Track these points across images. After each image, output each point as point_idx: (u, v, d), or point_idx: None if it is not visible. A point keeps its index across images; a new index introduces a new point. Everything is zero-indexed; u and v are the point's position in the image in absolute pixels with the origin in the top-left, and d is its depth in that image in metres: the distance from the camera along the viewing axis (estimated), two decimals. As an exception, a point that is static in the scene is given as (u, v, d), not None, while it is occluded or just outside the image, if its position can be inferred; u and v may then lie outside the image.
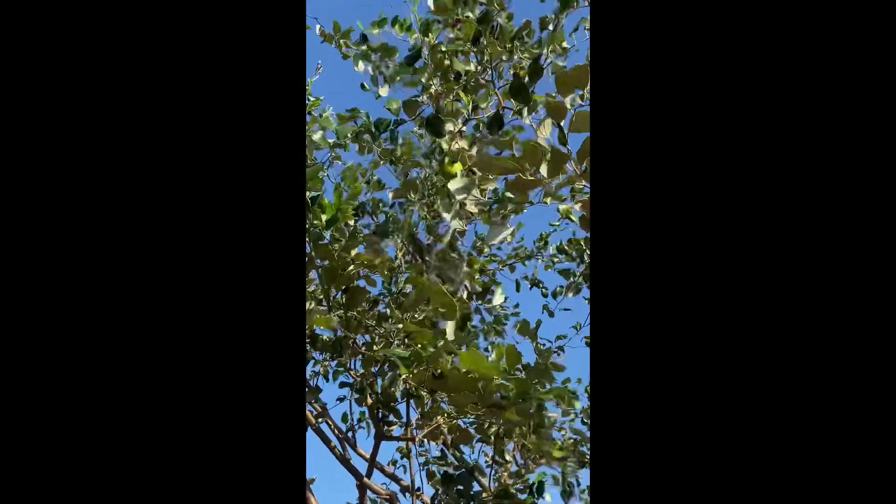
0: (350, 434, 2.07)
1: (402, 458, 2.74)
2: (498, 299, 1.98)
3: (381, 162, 2.35)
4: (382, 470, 2.05)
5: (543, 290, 2.73)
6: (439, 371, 1.54)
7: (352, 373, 1.81)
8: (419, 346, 1.42)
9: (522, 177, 1.31)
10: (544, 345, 2.26)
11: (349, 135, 2.13)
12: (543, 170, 1.33)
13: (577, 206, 1.34)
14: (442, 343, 1.48)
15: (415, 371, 1.64)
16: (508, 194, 1.92)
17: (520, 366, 1.47)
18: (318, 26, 2.28)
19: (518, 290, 2.70)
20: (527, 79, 1.71)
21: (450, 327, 1.55)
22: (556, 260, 2.54)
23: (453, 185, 1.57)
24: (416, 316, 1.63)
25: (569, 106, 1.30)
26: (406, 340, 1.75)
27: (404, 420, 1.76)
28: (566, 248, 2.46)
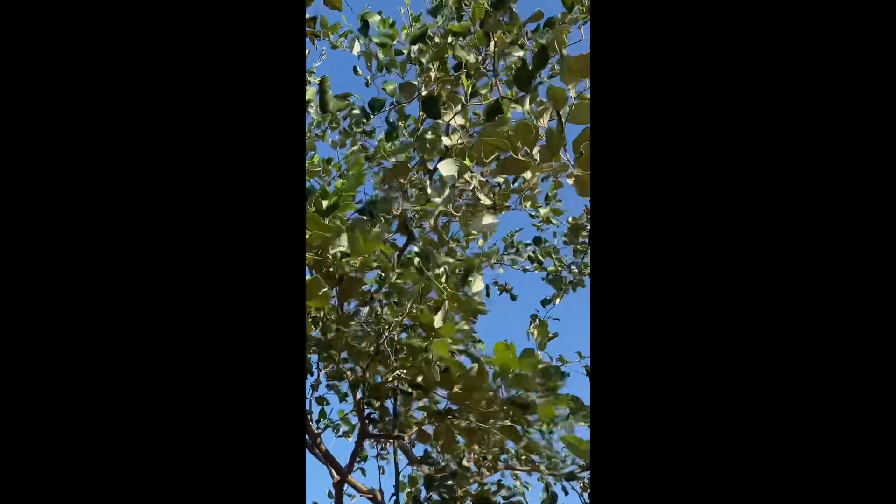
0: (319, 435, 1.98)
1: (360, 461, 2.66)
2: (477, 287, 1.92)
3: (361, 160, 2.29)
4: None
5: (513, 295, 2.73)
6: (445, 366, 1.50)
7: (343, 370, 1.73)
8: (433, 336, 1.37)
9: (514, 156, 1.29)
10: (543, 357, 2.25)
11: (343, 109, 2.05)
12: (536, 153, 1.31)
13: (570, 181, 1.32)
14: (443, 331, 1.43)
15: (410, 363, 1.59)
16: (498, 179, 1.87)
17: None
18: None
19: (489, 295, 2.70)
20: (531, 67, 1.69)
21: (438, 317, 1.50)
22: (526, 269, 2.54)
23: (443, 169, 1.53)
24: (415, 309, 1.58)
25: (573, 95, 1.29)
26: (398, 337, 1.69)
27: (391, 418, 1.70)
28: (539, 256, 2.46)
